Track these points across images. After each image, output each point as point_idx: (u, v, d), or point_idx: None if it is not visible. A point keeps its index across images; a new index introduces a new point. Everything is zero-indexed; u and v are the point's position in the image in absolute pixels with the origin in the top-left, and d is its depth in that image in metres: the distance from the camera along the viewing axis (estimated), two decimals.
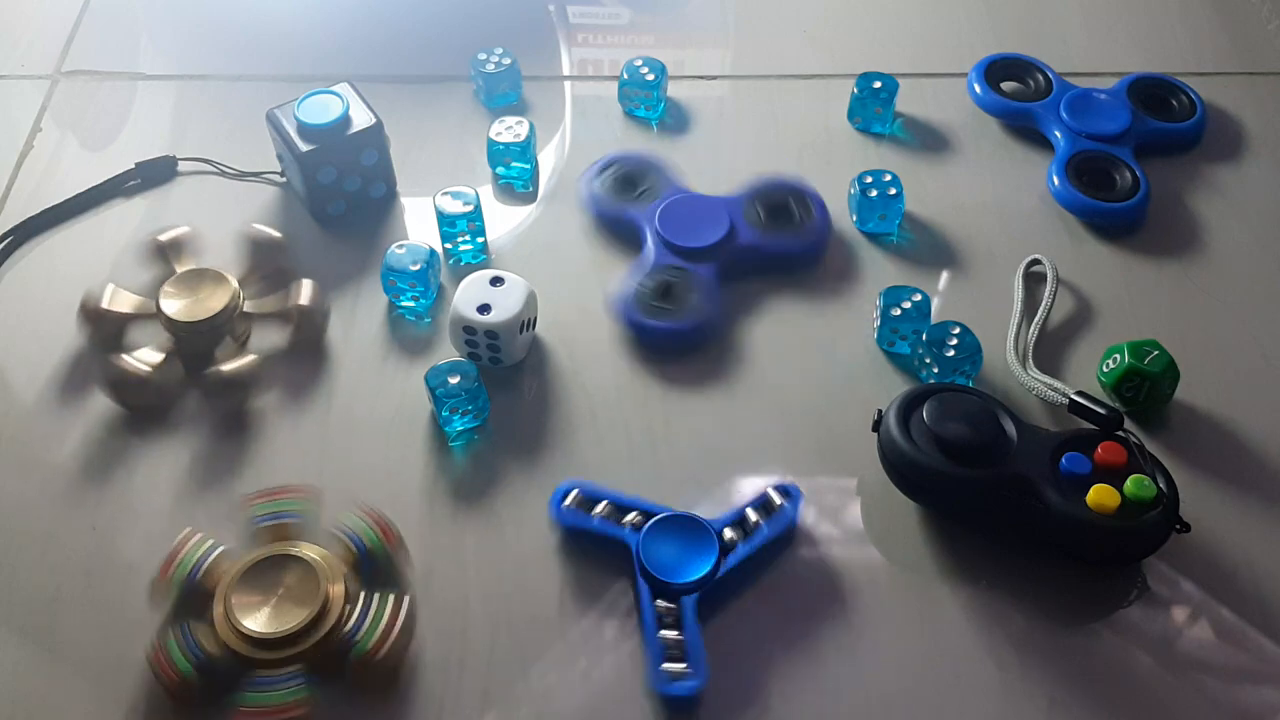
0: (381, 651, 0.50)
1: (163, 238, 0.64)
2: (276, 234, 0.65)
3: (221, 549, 0.53)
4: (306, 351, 0.63)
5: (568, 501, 0.55)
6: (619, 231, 0.68)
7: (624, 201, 0.68)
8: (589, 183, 0.70)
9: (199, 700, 0.50)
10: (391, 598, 0.51)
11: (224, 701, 0.49)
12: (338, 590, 0.52)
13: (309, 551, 0.53)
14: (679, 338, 0.63)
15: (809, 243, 0.67)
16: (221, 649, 0.50)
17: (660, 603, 0.52)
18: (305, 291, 0.63)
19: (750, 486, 0.57)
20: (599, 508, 0.55)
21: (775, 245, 0.66)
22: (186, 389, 0.61)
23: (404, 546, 0.54)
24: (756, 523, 0.55)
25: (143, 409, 0.60)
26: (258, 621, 0.50)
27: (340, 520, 0.54)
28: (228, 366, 0.60)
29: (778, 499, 0.56)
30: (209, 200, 0.71)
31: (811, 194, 0.68)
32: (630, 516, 0.55)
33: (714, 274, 0.65)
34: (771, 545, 0.55)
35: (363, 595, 0.52)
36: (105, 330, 0.62)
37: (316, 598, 0.51)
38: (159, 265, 0.64)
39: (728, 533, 0.54)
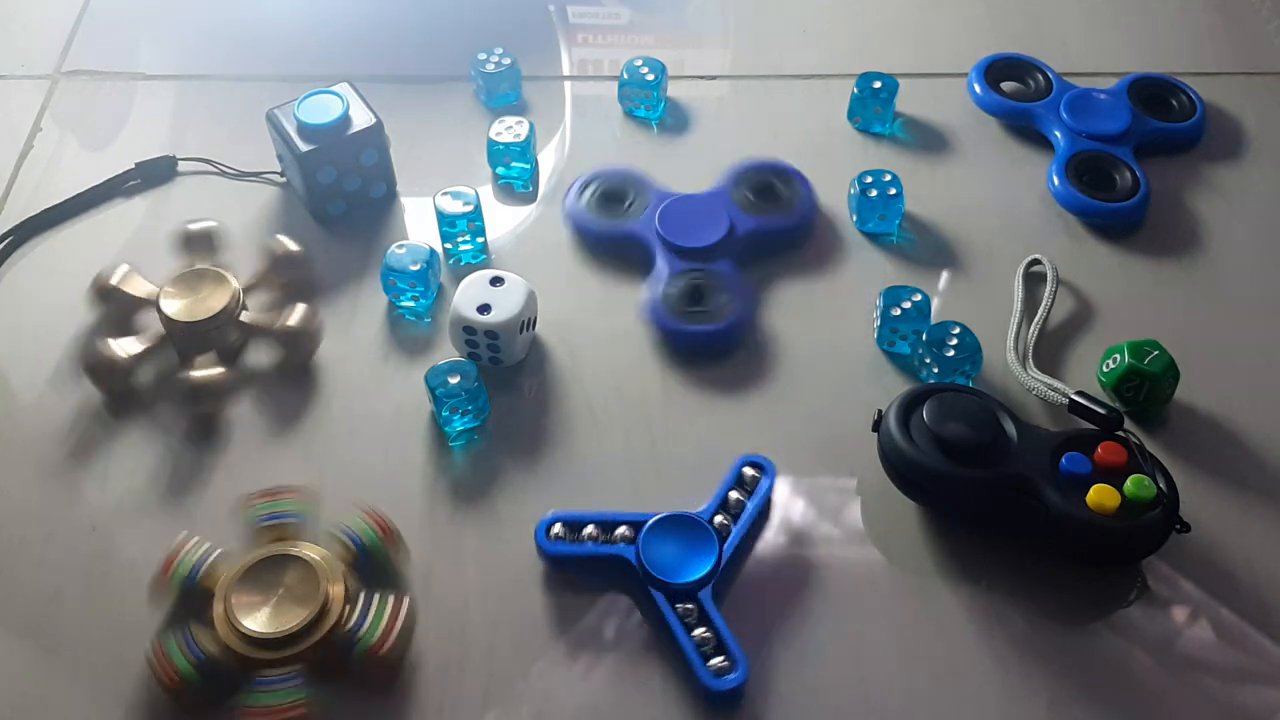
0: (384, 648, 0.50)
1: (193, 228, 0.64)
2: (295, 247, 0.65)
3: (220, 550, 0.53)
4: (292, 372, 0.62)
5: (553, 534, 0.55)
6: (613, 248, 0.68)
7: (613, 218, 0.68)
8: (573, 201, 0.69)
9: (199, 701, 0.50)
10: (392, 596, 0.52)
11: (226, 703, 0.49)
12: (338, 590, 0.52)
13: (309, 551, 0.53)
14: (716, 339, 0.63)
15: (798, 219, 0.68)
16: (221, 649, 0.50)
17: (679, 605, 0.52)
18: (296, 314, 0.62)
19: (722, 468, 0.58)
20: (586, 531, 0.55)
21: (771, 225, 0.67)
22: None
23: (403, 544, 0.54)
24: (739, 501, 0.55)
25: (114, 395, 0.61)
26: (258, 621, 0.50)
27: (340, 520, 0.54)
28: (198, 374, 0.59)
29: (751, 472, 0.57)
30: (209, 200, 0.70)
31: (791, 171, 0.69)
32: (620, 531, 0.54)
33: (733, 269, 0.65)
34: (757, 521, 0.56)
35: (363, 594, 0.52)
36: (112, 310, 0.62)
37: (316, 598, 0.51)
38: (182, 257, 0.64)
39: (718, 519, 0.55)
